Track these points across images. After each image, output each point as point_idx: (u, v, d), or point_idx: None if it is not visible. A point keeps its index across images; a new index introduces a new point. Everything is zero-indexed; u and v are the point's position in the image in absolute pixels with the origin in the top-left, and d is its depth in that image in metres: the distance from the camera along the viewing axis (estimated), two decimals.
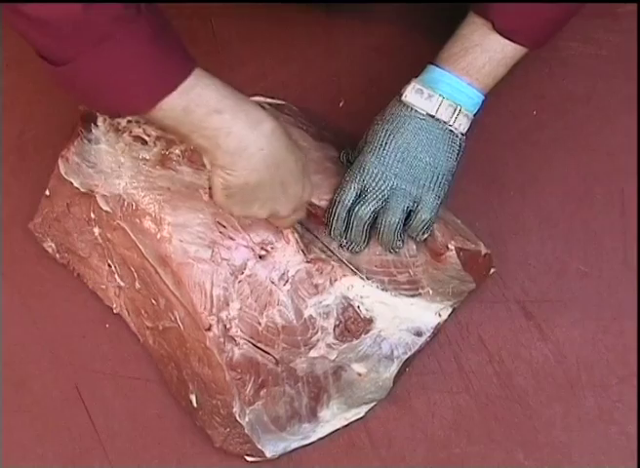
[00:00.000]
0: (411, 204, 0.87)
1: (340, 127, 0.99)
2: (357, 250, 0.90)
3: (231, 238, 0.89)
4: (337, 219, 0.88)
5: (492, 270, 0.93)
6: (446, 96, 0.85)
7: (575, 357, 0.94)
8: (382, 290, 0.90)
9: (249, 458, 0.92)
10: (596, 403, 0.93)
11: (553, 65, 1.01)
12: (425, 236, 0.88)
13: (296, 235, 0.89)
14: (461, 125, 0.87)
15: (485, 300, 0.95)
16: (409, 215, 0.87)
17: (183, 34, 1.05)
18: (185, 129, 0.75)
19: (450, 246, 0.88)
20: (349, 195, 0.87)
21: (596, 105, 1.00)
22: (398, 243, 0.88)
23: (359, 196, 0.87)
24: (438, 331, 0.93)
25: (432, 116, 0.86)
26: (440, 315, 0.92)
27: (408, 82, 0.88)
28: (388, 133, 0.87)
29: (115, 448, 0.95)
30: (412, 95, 0.86)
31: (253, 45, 1.03)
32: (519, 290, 0.95)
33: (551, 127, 1.00)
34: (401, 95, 0.87)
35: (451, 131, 0.86)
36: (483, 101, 0.88)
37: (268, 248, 0.89)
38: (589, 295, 0.95)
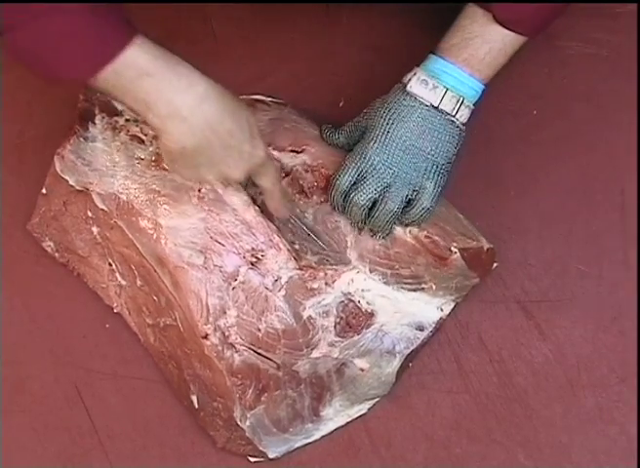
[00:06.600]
0: (411, 192, 0.87)
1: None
2: (361, 227, 0.90)
3: (221, 243, 0.88)
4: (334, 202, 0.89)
5: (494, 265, 0.93)
6: (450, 87, 0.86)
7: (575, 357, 0.94)
8: (385, 283, 0.90)
9: (252, 459, 0.92)
10: (596, 403, 0.93)
11: (553, 65, 1.01)
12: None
13: (286, 243, 0.89)
14: (463, 116, 0.87)
15: (485, 300, 0.95)
16: (407, 205, 0.88)
17: (183, 34, 1.06)
18: (118, 92, 0.75)
19: (453, 248, 0.88)
20: (346, 180, 0.88)
21: (596, 105, 1.00)
22: (387, 230, 0.89)
23: (356, 182, 0.88)
24: (440, 325, 0.93)
25: (436, 107, 0.86)
26: (442, 310, 0.92)
27: (410, 70, 0.88)
28: (392, 121, 0.87)
29: (115, 448, 0.95)
30: (417, 85, 0.87)
31: (253, 45, 1.03)
32: (519, 290, 0.95)
33: (551, 127, 0.99)
34: (405, 84, 0.87)
35: (452, 121, 0.87)
36: (483, 91, 0.88)
37: (259, 255, 0.88)
38: (589, 295, 0.95)
